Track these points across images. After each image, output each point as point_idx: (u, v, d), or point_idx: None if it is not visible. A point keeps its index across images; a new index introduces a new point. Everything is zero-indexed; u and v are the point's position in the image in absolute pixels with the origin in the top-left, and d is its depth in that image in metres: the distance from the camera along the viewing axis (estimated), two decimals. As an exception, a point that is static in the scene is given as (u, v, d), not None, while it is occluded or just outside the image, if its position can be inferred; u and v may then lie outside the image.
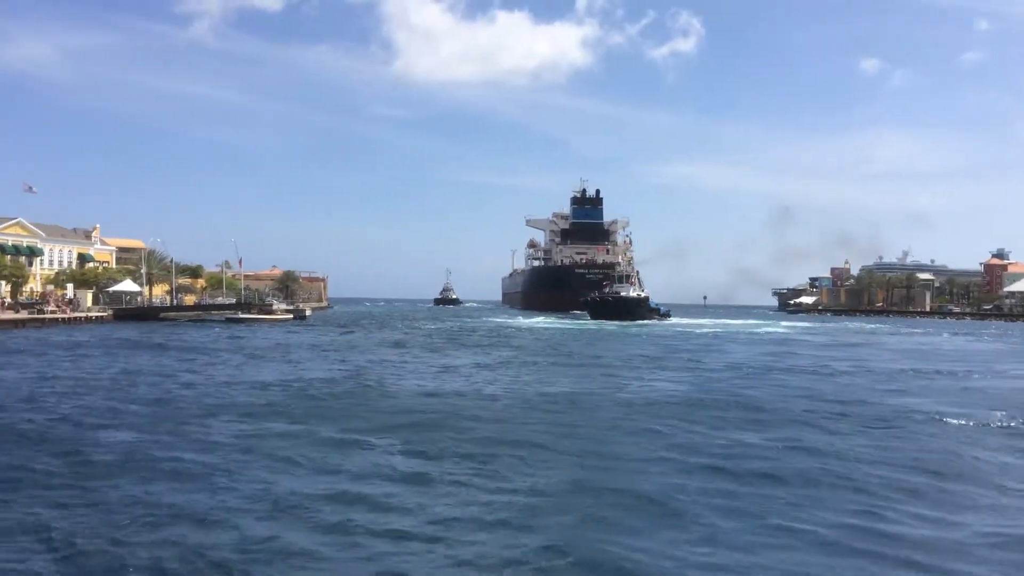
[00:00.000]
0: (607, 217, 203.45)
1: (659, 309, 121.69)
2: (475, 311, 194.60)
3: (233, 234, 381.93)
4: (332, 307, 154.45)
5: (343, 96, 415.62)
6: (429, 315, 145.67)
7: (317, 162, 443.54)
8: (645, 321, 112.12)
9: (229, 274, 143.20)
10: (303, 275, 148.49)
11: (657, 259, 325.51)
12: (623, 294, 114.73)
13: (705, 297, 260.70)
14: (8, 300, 78.84)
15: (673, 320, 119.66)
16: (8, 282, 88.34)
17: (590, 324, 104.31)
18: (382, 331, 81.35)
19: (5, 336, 58.30)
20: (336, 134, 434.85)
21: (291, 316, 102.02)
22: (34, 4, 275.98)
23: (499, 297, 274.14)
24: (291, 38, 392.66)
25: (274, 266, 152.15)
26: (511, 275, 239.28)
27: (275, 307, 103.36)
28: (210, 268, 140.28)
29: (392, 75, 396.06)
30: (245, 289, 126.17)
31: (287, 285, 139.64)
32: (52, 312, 75.63)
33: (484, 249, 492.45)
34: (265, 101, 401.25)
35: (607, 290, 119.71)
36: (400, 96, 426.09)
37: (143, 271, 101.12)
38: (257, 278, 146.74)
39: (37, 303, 78.48)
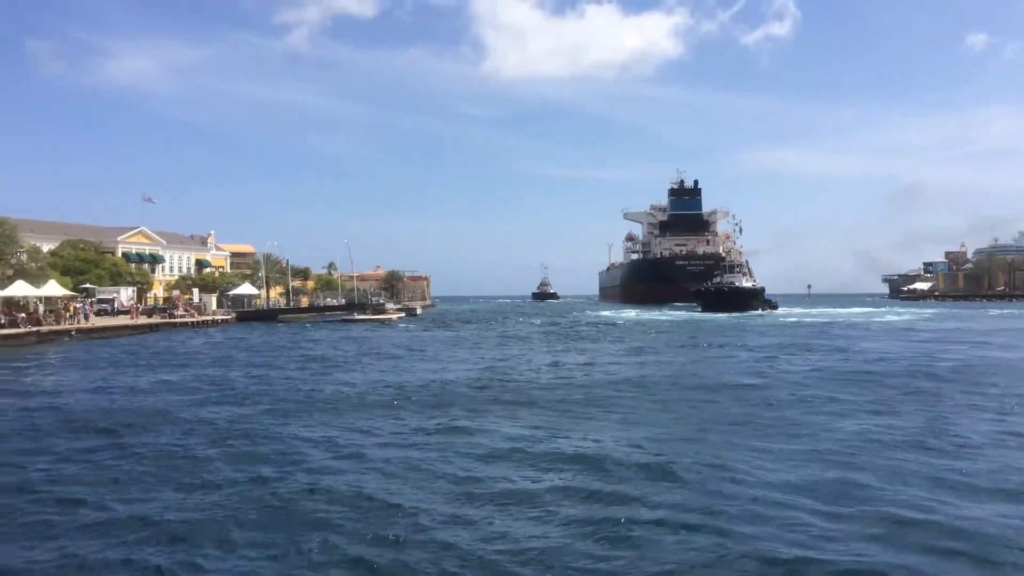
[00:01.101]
0: (706, 207, 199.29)
1: (769, 300, 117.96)
2: (574, 305, 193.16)
3: (332, 236, 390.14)
4: (435, 305, 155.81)
5: (433, 97, 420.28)
6: (532, 310, 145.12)
7: (409, 163, 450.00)
8: (758, 312, 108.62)
9: (335, 275, 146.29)
10: (407, 274, 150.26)
11: (756, 247, 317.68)
12: (737, 284, 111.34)
13: (809, 286, 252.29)
14: (140, 305, 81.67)
15: (783, 310, 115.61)
16: (135, 288, 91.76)
17: (703, 315, 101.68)
18: (496, 327, 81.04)
19: (144, 339, 60.23)
20: (427, 135, 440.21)
21: (403, 314, 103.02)
22: (137, 22, 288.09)
23: (595, 291, 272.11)
24: (383, 43, 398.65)
25: (378, 266, 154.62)
26: (608, 269, 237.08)
27: (387, 307, 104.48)
28: (316, 270, 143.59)
29: (481, 74, 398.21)
30: (353, 290, 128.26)
31: (392, 284, 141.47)
32: (181, 316, 77.99)
33: (579, 243, 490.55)
34: (358, 106, 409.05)
35: (718, 280, 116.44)
36: (489, 94, 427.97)
37: (262, 274, 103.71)
38: (363, 278, 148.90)
39: (167, 308, 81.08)
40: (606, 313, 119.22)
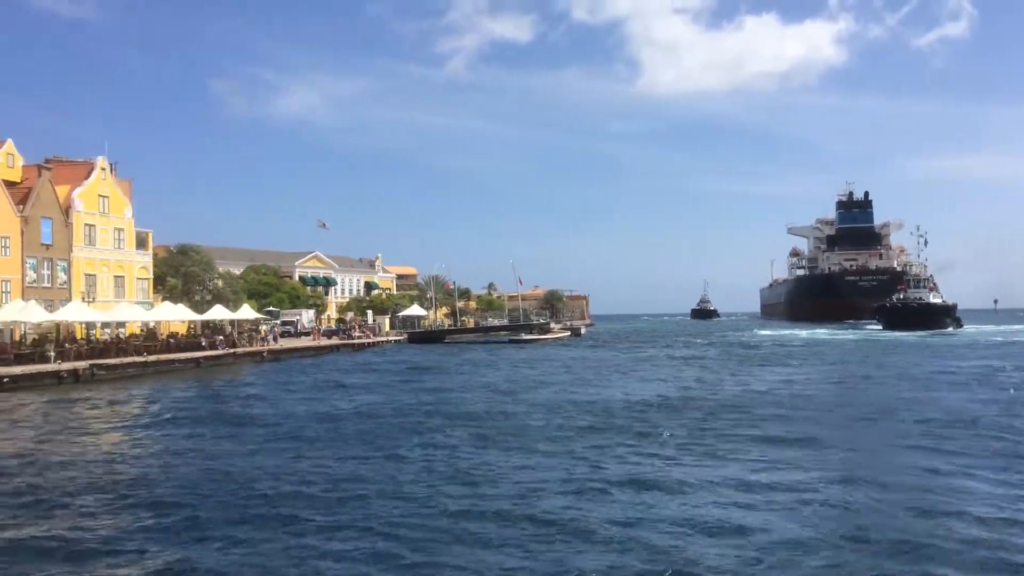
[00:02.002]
0: (877, 220, 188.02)
1: (958, 317, 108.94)
2: (737, 323, 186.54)
3: (489, 257, 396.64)
4: (594, 324, 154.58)
5: (587, 117, 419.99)
6: (694, 329, 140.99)
7: (564, 183, 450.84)
8: (949, 330, 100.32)
9: (495, 295, 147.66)
10: (566, 294, 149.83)
11: (937, 259, 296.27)
12: (926, 300, 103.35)
13: (996, 301, 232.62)
14: (320, 327, 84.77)
15: (972, 327, 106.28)
16: (315, 310, 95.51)
17: (887, 334, 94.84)
18: (664, 347, 78.61)
19: (335, 359, 62.09)
20: (581, 154, 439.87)
21: (567, 334, 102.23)
22: (304, 59, 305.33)
23: (756, 308, 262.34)
24: (538, 66, 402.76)
25: (536, 286, 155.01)
26: (771, 285, 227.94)
27: (552, 326, 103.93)
28: (475, 290, 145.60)
29: (635, 92, 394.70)
30: (512, 310, 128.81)
31: (552, 304, 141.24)
32: (358, 337, 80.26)
33: (738, 259, 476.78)
34: (513, 128, 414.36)
35: (902, 295, 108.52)
36: (644, 112, 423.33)
37: (430, 295, 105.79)
38: (522, 298, 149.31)
39: (345, 329, 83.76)
40: (776, 332, 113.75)
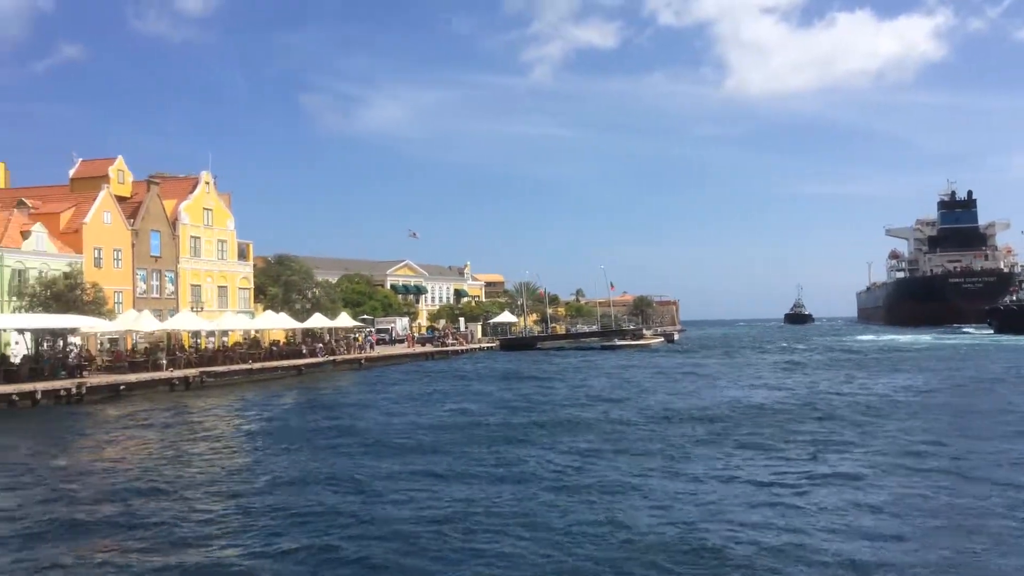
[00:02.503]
0: (982, 220, 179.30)
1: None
2: (834, 328, 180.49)
3: (575, 263, 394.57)
4: (685, 330, 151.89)
5: (671, 120, 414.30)
6: (791, 335, 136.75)
7: (649, 189, 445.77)
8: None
9: (583, 301, 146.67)
10: (656, 299, 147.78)
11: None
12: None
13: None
14: (414, 334, 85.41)
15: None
16: (409, 318, 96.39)
17: (1001, 338, 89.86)
18: (764, 353, 76.20)
19: (436, 365, 62.31)
20: (667, 159, 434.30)
21: (661, 340, 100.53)
22: (389, 73, 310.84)
23: (852, 312, 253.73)
24: (624, 71, 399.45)
25: (624, 292, 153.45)
26: (868, 289, 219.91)
27: (645, 332, 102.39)
28: (562, 297, 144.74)
29: (722, 95, 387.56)
30: (602, 316, 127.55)
31: (642, 310, 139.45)
32: (452, 344, 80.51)
33: (832, 263, 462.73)
34: (598, 134, 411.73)
35: (1015, 297, 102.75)
36: (732, 114, 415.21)
37: (520, 302, 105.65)
38: (611, 304, 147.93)
39: (438, 336, 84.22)
40: (879, 337, 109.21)
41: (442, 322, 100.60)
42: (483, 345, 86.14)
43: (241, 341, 62.43)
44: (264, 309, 65.61)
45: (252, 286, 75.84)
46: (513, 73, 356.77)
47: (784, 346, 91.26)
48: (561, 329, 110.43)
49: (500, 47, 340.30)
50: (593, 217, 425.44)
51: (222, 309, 67.68)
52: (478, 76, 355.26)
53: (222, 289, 71.53)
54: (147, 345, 53.55)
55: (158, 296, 63.97)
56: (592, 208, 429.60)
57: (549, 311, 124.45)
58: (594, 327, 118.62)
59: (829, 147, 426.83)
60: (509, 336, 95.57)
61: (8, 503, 17.69)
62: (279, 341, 63.78)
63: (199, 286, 68.68)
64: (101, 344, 54.16)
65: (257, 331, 63.72)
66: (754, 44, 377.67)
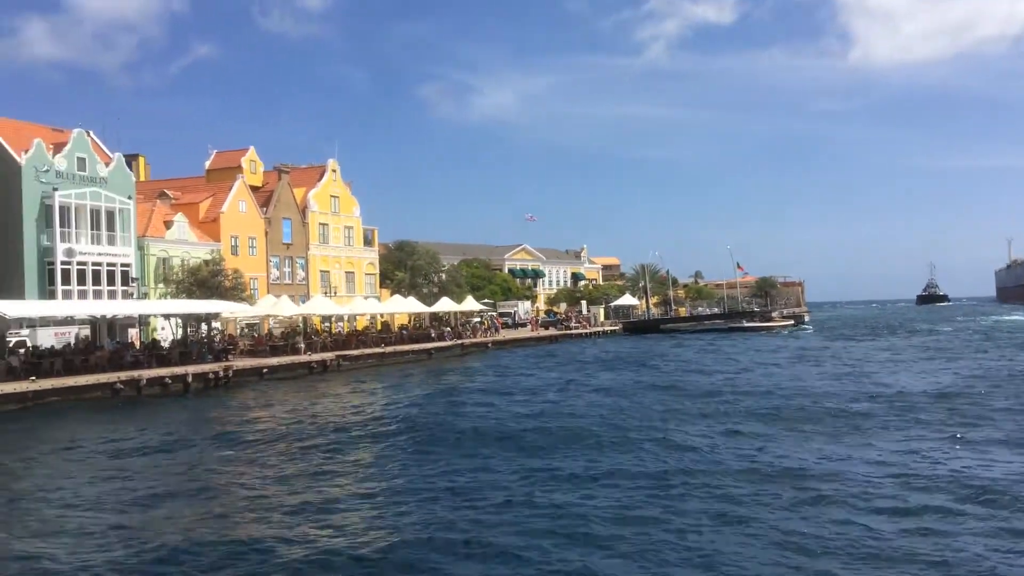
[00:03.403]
0: None
1: None
2: (974, 309, 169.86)
3: (692, 245, 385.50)
4: (811, 312, 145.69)
5: (790, 96, 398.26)
6: (929, 316, 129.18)
7: (767, 166, 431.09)
8: None
9: (702, 283, 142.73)
10: (779, 280, 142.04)
11: None
12: None
13: None
14: (537, 318, 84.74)
15: None
16: (531, 301, 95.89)
17: None
18: (908, 335, 71.73)
19: (565, 347, 61.44)
20: (785, 136, 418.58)
21: (790, 323, 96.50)
22: (501, 59, 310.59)
23: (989, 292, 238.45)
24: (742, 47, 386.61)
25: (745, 273, 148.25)
26: (1009, 267, 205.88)
27: (773, 315, 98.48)
28: (680, 279, 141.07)
29: (846, 67, 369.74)
30: (723, 298, 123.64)
31: (765, 291, 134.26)
32: (575, 328, 79.40)
33: (965, 240, 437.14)
34: (712, 113, 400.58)
35: None
36: (855, 87, 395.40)
37: (642, 284, 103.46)
38: (731, 286, 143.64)
39: (562, 320, 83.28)
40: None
41: (562, 305, 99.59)
42: (606, 328, 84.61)
43: (368, 325, 63.21)
44: (392, 294, 66.12)
45: (378, 271, 76.81)
46: (626, 53, 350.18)
47: (927, 328, 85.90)
48: (684, 311, 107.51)
49: (612, 27, 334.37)
50: (710, 198, 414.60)
51: (350, 294, 68.73)
52: (589, 58, 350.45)
53: (349, 275, 72.69)
54: (283, 329, 54.77)
55: (290, 282, 65.43)
56: (709, 189, 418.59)
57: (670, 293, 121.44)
58: (715, 309, 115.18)
59: (961, 119, 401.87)
60: (632, 319, 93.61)
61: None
62: (406, 325, 64.12)
63: (328, 272, 69.95)
64: (241, 329, 55.71)
65: (386, 315, 64.37)
66: (882, 12, 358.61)
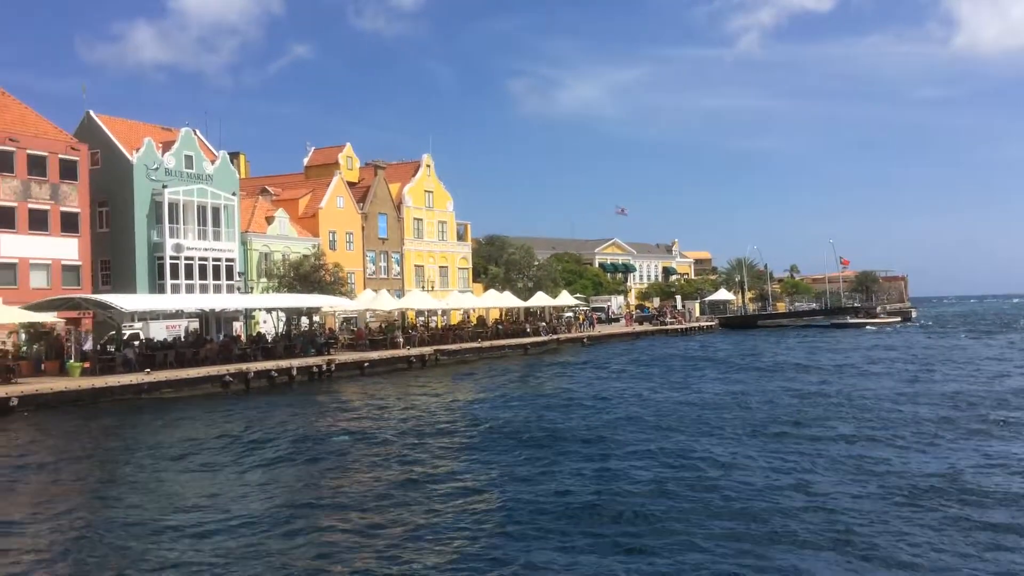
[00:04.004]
0: None
1: None
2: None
3: (786, 238, 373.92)
4: (916, 308, 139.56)
5: (890, 84, 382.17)
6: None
7: (865, 157, 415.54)
8: None
9: (798, 277, 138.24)
10: (881, 275, 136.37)
11: None
12: None
13: None
14: (632, 313, 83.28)
15: None
16: (623, 296, 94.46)
17: None
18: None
19: (665, 343, 60.05)
20: (884, 126, 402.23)
21: (898, 319, 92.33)
22: (588, 53, 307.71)
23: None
24: (840, 35, 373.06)
25: (847, 267, 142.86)
26: None
27: (877, 310, 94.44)
28: (775, 273, 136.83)
29: (950, 53, 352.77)
30: (822, 293, 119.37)
31: (866, 286, 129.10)
32: (671, 323, 77.68)
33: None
34: (808, 103, 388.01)
35: None
36: (960, 74, 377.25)
37: (739, 279, 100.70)
38: (828, 280, 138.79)
39: (657, 315, 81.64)
40: None
41: (656, 300, 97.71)
42: (702, 324, 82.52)
43: (462, 320, 63.07)
44: (485, 289, 65.85)
45: (471, 266, 76.76)
46: (717, 44, 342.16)
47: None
48: (783, 307, 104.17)
49: (703, 18, 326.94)
50: (805, 189, 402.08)
51: (443, 289, 68.82)
52: (678, 50, 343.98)
53: (443, 269, 72.81)
54: (380, 324, 55.07)
55: (385, 277, 65.91)
56: (804, 180, 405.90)
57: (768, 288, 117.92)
58: (813, 305, 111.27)
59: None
60: (728, 314, 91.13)
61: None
62: (500, 320, 63.67)
63: (422, 266, 70.21)
64: (340, 323, 56.31)
65: (476, 310, 64.16)
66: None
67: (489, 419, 25.88)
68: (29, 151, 42.79)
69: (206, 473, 18.87)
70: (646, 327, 75.35)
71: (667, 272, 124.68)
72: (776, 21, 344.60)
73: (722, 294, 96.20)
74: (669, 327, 75.34)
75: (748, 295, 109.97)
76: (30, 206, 42.61)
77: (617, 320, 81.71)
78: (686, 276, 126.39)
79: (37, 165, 43.12)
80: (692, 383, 35.23)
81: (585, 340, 62.05)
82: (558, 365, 45.55)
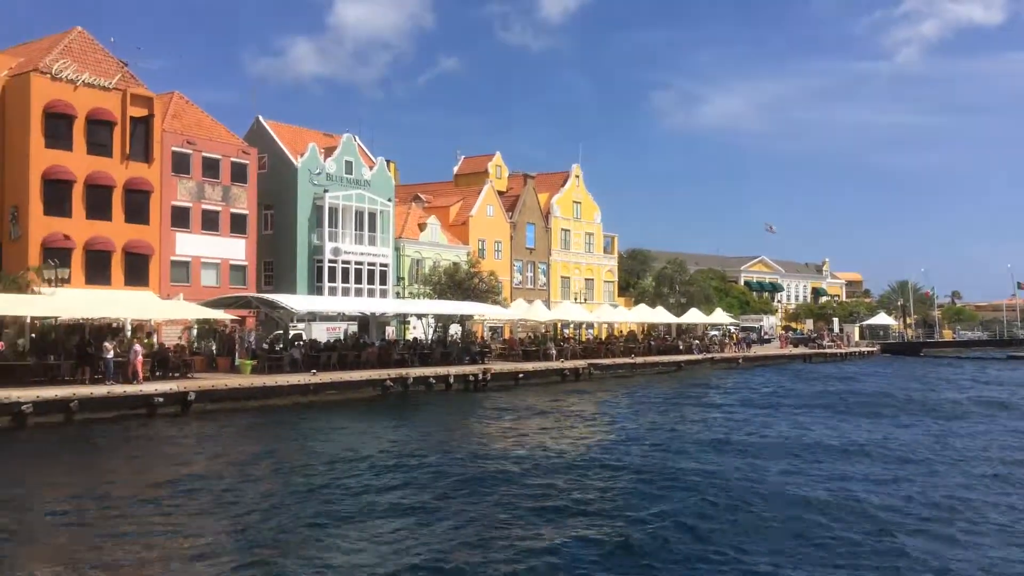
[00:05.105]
0: None
1: None
2: None
3: (945, 263, 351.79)
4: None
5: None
6: None
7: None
8: None
9: (959, 303, 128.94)
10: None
11: None
12: None
13: None
14: (786, 334, 79.18)
15: None
16: (774, 316, 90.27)
17: None
18: None
19: (803, 368, 56.34)
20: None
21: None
22: (732, 67, 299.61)
23: None
24: (1010, 49, 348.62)
25: (1013, 294, 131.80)
26: None
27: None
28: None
29: None
30: (993, 321, 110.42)
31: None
32: (828, 346, 73.26)
33: None
34: (973, 119, 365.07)
35: None
36: None
37: (901, 303, 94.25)
38: (993, 308, 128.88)
39: (814, 337, 77.24)
40: None
41: (808, 322, 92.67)
42: (862, 349, 77.42)
43: (612, 335, 61.22)
44: (635, 302, 63.80)
45: (616, 279, 74.92)
46: (873, 57, 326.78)
47: None
48: (950, 334, 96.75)
49: (861, 30, 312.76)
50: (969, 210, 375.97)
51: (589, 302, 67.20)
52: (828, 63, 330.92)
53: (589, 281, 71.27)
54: (527, 334, 54.02)
55: (532, 287, 64.96)
56: (968, 200, 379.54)
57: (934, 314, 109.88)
58: (978, 333, 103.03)
59: None
60: (889, 340, 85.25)
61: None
62: (650, 335, 61.37)
63: (568, 278, 68.93)
64: (491, 332, 55.67)
65: (621, 325, 62.22)
66: None
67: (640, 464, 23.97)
68: (204, 154, 44.19)
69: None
70: (802, 350, 71.20)
71: (816, 293, 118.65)
72: (940, 34, 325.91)
73: (882, 318, 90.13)
74: (827, 350, 70.92)
75: (908, 320, 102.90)
76: (203, 207, 43.95)
77: (769, 341, 77.74)
78: (837, 298, 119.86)
79: (211, 167, 44.47)
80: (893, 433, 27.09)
81: (740, 360, 58.96)
82: (715, 390, 42.90)
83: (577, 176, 71.24)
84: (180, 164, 43.10)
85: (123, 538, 13.19)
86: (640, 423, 28.09)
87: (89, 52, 40.17)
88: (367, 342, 40.43)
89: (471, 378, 38.69)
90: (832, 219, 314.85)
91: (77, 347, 29.34)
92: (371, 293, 50.87)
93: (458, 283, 48.04)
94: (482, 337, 50.86)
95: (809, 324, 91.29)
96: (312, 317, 42.90)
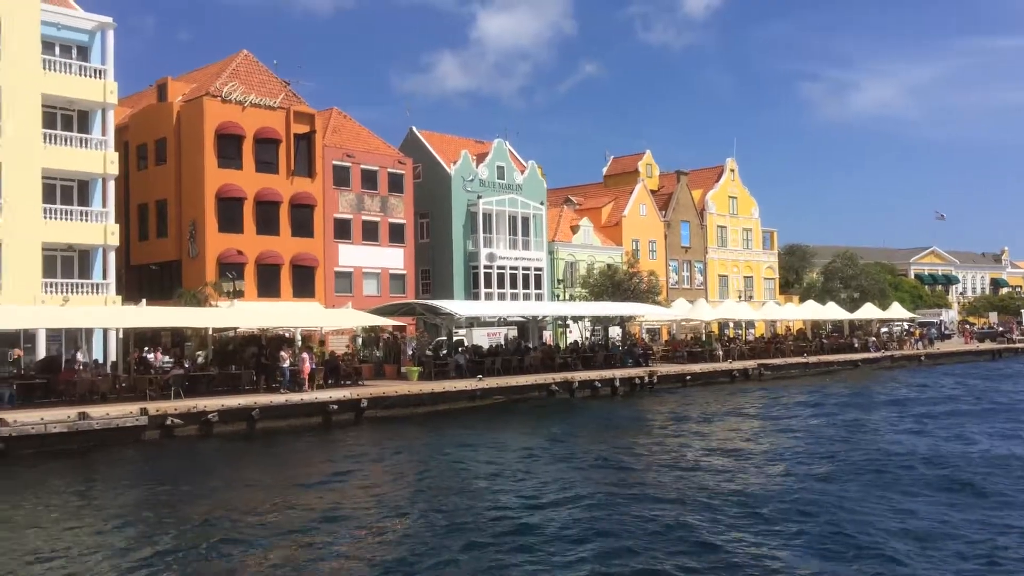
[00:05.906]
0: None
1: None
2: None
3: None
4: None
5: None
6: None
7: None
8: None
9: None
10: None
11: None
12: None
13: None
14: (970, 329, 73.12)
15: None
16: (951, 309, 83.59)
17: None
18: None
19: (996, 365, 51.31)
20: None
21: None
22: (874, 51, 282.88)
23: None
24: None
25: None
26: None
27: None
28: None
29: None
30: None
31: None
32: (1018, 339, 66.95)
33: None
34: None
35: None
36: None
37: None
38: None
39: (1002, 332, 70.87)
40: None
41: (992, 315, 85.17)
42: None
43: (776, 333, 58.01)
44: (801, 300, 60.35)
45: (776, 275, 71.39)
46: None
47: None
48: None
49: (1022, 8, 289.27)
50: None
51: (751, 300, 64.10)
52: (988, 40, 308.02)
53: (748, 279, 68.18)
54: (687, 335, 51.96)
55: (688, 286, 62.72)
56: None
57: None
58: None
59: None
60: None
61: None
62: (821, 333, 57.68)
63: (726, 276, 66.19)
64: (650, 335, 54.03)
65: (784, 322, 58.84)
66: None
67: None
68: (363, 166, 45.01)
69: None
70: (988, 344, 65.28)
71: (996, 284, 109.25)
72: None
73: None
74: (1019, 346, 64.71)
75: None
76: (363, 218, 44.74)
77: (949, 336, 71.89)
78: (1019, 289, 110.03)
79: (369, 179, 45.24)
80: None
81: (923, 358, 54.53)
82: (916, 390, 39.45)
83: (732, 170, 68.37)
84: (340, 177, 44.05)
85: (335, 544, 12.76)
86: (870, 434, 25.52)
87: (255, 73, 41.72)
88: (529, 347, 39.78)
89: (637, 381, 37.28)
90: (1013, 204, 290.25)
91: (254, 357, 30.10)
92: (526, 297, 50.37)
93: (617, 284, 46.73)
94: (640, 339, 49.20)
95: (992, 317, 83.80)
96: (472, 323, 42.72)
